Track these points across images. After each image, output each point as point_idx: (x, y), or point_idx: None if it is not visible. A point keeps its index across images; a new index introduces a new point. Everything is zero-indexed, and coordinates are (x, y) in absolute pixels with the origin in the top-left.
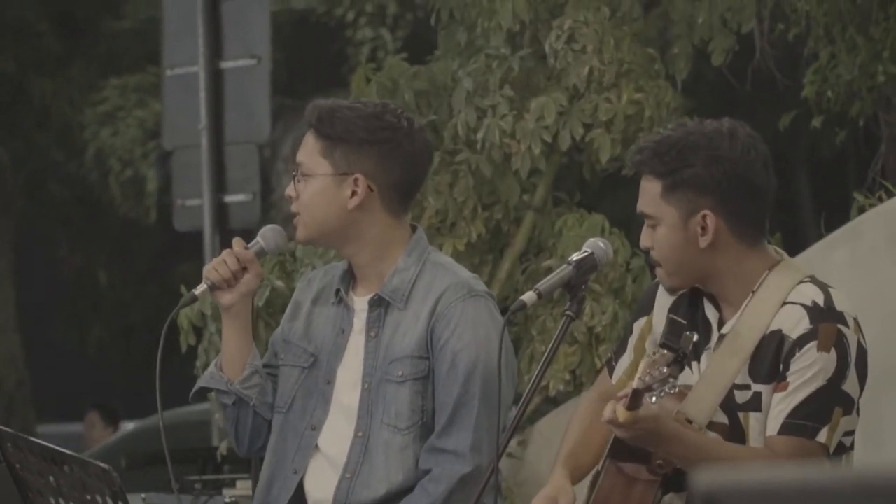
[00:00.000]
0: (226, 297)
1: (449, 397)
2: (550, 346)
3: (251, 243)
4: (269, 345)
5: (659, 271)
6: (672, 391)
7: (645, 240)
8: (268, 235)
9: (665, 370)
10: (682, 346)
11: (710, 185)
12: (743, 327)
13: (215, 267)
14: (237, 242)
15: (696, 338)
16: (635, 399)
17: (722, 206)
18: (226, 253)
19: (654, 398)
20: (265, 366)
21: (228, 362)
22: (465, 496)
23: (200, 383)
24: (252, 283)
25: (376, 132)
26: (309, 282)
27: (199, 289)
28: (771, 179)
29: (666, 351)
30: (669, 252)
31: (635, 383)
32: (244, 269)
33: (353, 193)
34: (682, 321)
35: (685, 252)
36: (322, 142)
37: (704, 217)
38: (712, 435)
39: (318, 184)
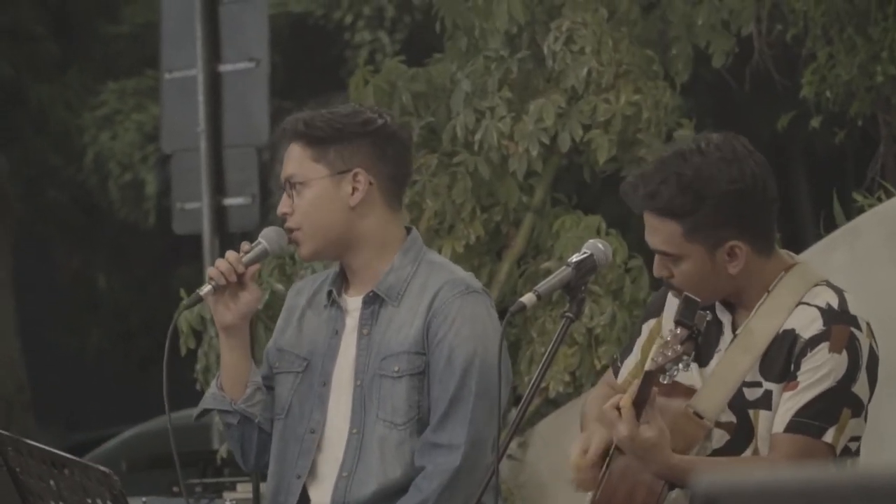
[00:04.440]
0: (226, 317)
1: (445, 392)
2: (550, 347)
3: (254, 244)
4: (263, 358)
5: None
6: (686, 369)
7: (660, 270)
8: (270, 236)
9: (679, 348)
10: (697, 324)
11: (734, 219)
12: (756, 325)
13: (217, 265)
14: (242, 246)
15: (709, 317)
16: (647, 381)
17: (746, 233)
18: (228, 254)
19: (666, 378)
20: (263, 378)
21: (229, 381)
22: (460, 489)
23: (204, 405)
24: (251, 305)
25: (366, 124)
26: (298, 291)
27: (204, 289)
28: (775, 187)
29: (680, 329)
30: (698, 282)
31: (647, 365)
32: (242, 283)
33: (354, 190)
34: (697, 299)
35: (715, 280)
36: (311, 148)
37: (733, 248)
38: (716, 457)
39: (315, 188)
